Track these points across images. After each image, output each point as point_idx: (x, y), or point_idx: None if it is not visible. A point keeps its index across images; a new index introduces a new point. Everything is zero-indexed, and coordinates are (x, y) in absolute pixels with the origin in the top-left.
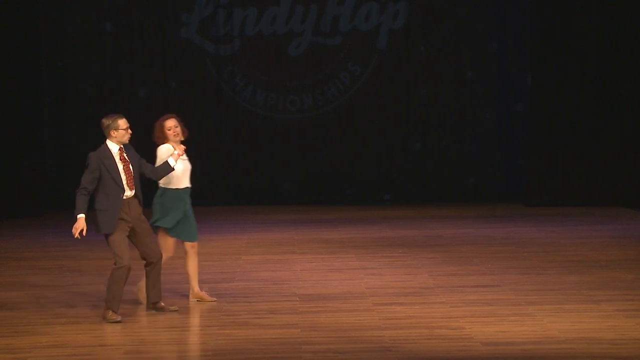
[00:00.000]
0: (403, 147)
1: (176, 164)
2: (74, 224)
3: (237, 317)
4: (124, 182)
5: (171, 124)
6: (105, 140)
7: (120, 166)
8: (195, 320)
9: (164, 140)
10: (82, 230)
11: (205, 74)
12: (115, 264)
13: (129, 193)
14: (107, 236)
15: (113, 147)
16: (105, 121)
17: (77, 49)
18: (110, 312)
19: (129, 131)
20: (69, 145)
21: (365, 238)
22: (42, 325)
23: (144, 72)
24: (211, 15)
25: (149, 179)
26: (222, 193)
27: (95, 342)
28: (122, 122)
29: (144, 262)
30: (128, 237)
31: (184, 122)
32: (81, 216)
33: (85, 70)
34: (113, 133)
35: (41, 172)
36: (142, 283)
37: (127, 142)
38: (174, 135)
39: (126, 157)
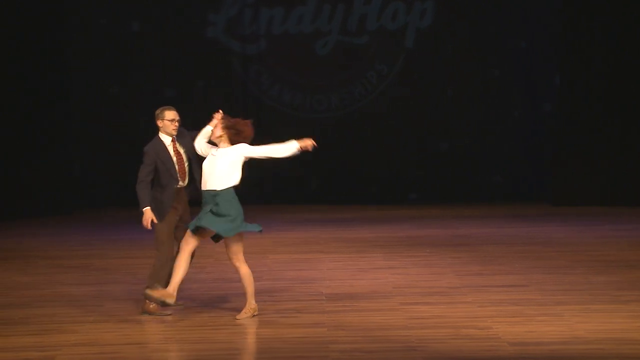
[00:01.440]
0: (429, 147)
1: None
2: (142, 217)
3: (264, 316)
4: (178, 173)
5: (173, 116)
6: (158, 131)
7: (174, 158)
8: (222, 319)
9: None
10: (152, 221)
11: (231, 73)
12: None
13: (182, 184)
14: (154, 225)
15: (165, 138)
16: (157, 110)
17: (104, 49)
18: (154, 305)
19: (176, 123)
20: (96, 145)
21: (391, 237)
22: (69, 324)
23: (170, 72)
24: (238, 15)
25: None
26: (248, 192)
27: (122, 341)
28: (169, 114)
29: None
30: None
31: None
32: (147, 208)
33: (111, 70)
34: (160, 123)
35: (69, 172)
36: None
37: (174, 134)
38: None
39: (179, 149)
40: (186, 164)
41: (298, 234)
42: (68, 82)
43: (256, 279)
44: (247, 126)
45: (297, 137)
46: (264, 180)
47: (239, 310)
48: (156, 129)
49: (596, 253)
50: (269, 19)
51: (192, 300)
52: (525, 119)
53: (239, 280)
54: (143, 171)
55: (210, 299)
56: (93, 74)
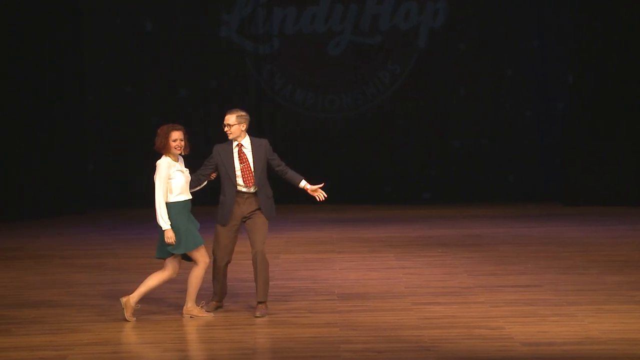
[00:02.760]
0: (442, 146)
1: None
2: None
3: (276, 316)
4: (239, 178)
5: (177, 136)
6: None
7: (236, 162)
8: (234, 319)
9: (165, 150)
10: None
11: (244, 73)
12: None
13: (244, 189)
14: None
15: (233, 141)
16: (243, 113)
17: (118, 49)
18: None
19: (227, 130)
20: (110, 145)
21: (404, 237)
22: (83, 323)
23: (184, 71)
24: (251, 15)
25: (277, 174)
26: None
27: (135, 340)
28: (226, 117)
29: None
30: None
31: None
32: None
33: (126, 70)
34: (243, 127)
35: (83, 171)
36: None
37: (235, 139)
38: (176, 148)
39: (245, 154)
40: (254, 171)
41: (310, 234)
42: (83, 81)
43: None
44: None
45: (309, 136)
46: (275, 180)
47: (252, 310)
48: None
49: (610, 253)
50: (281, 19)
51: (204, 299)
52: (538, 118)
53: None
54: (203, 165)
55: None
56: (107, 74)
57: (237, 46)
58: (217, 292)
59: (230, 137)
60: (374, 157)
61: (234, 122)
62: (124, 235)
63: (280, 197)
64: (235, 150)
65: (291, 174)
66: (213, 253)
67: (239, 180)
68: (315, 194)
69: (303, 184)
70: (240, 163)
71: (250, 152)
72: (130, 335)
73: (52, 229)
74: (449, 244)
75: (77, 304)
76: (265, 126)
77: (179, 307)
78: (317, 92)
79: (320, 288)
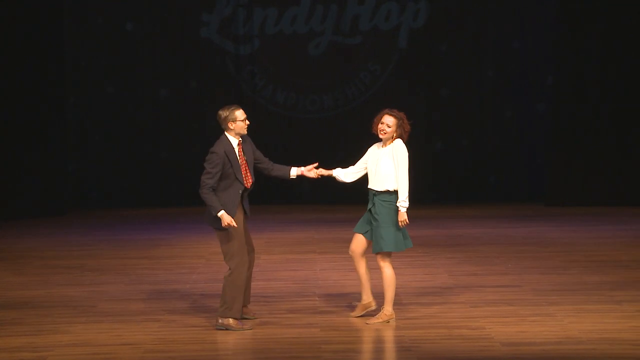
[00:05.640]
0: (424, 147)
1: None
2: (224, 223)
3: (257, 317)
4: (243, 177)
5: (244, 115)
6: (223, 132)
7: (239, 160)
8: (215, 320)
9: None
10: (232, 223)
11: (225, 73)
12: (230, 268)
13: (245, 187)
14: (219, 230)
15: (233, 140)
16: (223, 113)
17: (99, 49)
18: (232, 320)
19: (247, 122)
20: (91, 145)
21: None
22: (63, 324)
23: (164, 71)
24: (231, 15)
25: (261, 171)
26: None
27: (115, 341)
28: (240, 113)
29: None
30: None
31: (204, 121)
32: (222, 212)
33: (106, 69)
34: (231, 125)
35: (63, 172)
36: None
37: (245, 132)
38: (244, 129)
39: (243, 152)
40: (249, 167)
41: (291, 235)
42: (63, 81)
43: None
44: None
45: (290, 137)
46: (256, 180)
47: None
48: (218, 130)
49: (591, 253)
50: (262, 19)
51: (184, 300)
52: (518, 118)
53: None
54: (211, 176)
55: (203, 299)
56: (88, 74)
57: (217, 47)
58: (245, 299)
59: (246, 131)
60: (355, 158)
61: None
62: (104, 236)
63: (261, 197)
64: (237, 149)
65: (278, 167)
66: (234, 259)
67: (243, 178)
68: (313, 174)
69: (295, 171)
70: (241, 160)
71: (243, 148)
72: (110, 336)
73: (32, 230)
74: (430, 244)
75: (58, 305)
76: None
77: (158, 308)
78: (298, 92)
79: (301, 289)
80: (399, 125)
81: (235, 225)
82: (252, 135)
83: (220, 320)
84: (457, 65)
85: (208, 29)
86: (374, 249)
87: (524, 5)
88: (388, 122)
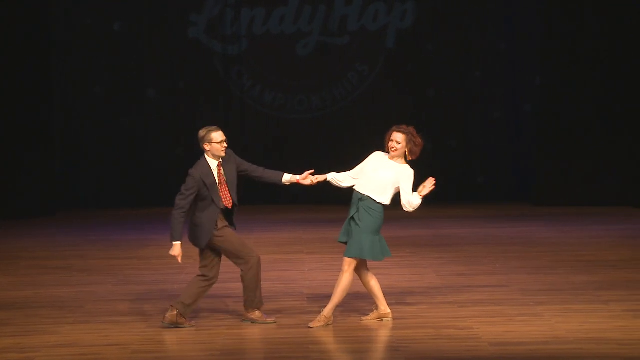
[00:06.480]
0: None
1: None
2: (171, 249)
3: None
4: (222, 199)
5: (222, 137)
6: (203, 154)
7: (217, 183)
8: (203, 320)
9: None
10: (179, 257)
11: (213, 74)
12: (242, 270)
13: (223, 208)
14: (201, 250)
15: (212, 162)
16: (201, 133)
17: (86, 49)
18: (259, 312)
19: (224, 144)
20: (79, 146)
21: None
22: (50, 325)
23: (152, 72)
24: (219, 16)
25: (253, 179)
26: None
27: (102, 342)
28: (218, 135)
29: (202, 276)
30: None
31: (192, 121)
32: (177, 243)
33: (93, 70)
34: (207, 146)
35: (51, 172)
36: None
37: (223, 155)
38: (222, 151)
39: (223, 174)
40: (229, 189)
41: (280, 235)
42: (51, 82)
43: (237, 279)
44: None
45: (278, 137)
46: (245, 181)
47: (219, 312)
48: (198, 151)
49: (578, 253)
50: (250, 20)
51: (172, 301)
52: (507, 119)
53: (223, 281)
54: (184, 197)
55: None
56: (76, 74)
57: (205, 47)
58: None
59: (224, 153)
60: (343, 158)
61: None
62: (93, 236)
63: (248, 198)
64: (216, 171)
65: (269, 173)
66: (244, 253)
67: (221, 201)
68: (308, 182)
69: (288, 178)
70: (220, 183)
71: (224, 170)
72: (98, 337)
73: (21, 230)
74: (418, 244)
75: (45, 305)
76: (234, 128)
77: (146, 308)
78: (286, 92)
79: (289, 289)
80: (408, 141)
81: (180, 261)
82: (240, 136)
83: (250, 315)
84: (445, 65)
85: (196, 29)
86: (348, 253)
87: (512, 6)
88: (397, 139)
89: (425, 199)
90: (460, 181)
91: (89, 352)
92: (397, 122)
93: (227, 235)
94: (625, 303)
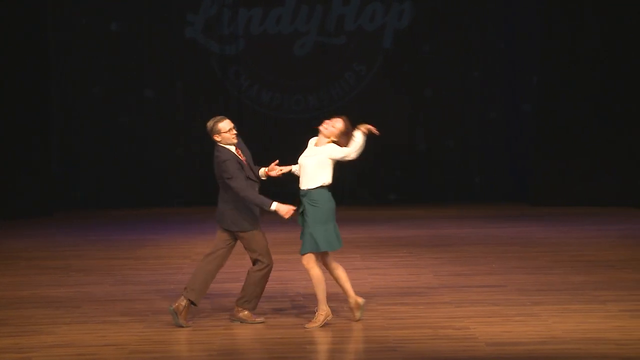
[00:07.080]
0: (409, 147)
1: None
2: (281, 213)
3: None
4: (254, 175)
5: (229, 125)
6: (215, 144)
7: (243, 162)
8: (200, 320)
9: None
10: (289, 210)
11: (210, 74)
12: (254, 265)
13: (259, 184)
14: (243, 234)
15: (230, 147)
16: (208, 124)
17: (83, 49)
18: (248, 312)
19: (234, 131)
20: (77, 145)
21: (370, 238)
22: (47, 325)
23: (149, 72)
24: (216, 16)
25: None
26: None
27: (100, 342)
28: (224, 125)
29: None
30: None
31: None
32: (274, 204)
33: (91, 70)
34: (217, 137)
35: (49, 172)
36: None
37: (235, 141)
38: (233, 137)
39: (241, 153)
40: (252, 166)
41: (277, 235)
42: (49, 82)
43: (234, 279)
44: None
45: (275, 137)
46: None
47: (218, 311)
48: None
49: (576, 253)
50: (247, 20)
51: (170, 301)
52: (505, 119)
53: (219, 281)
54: (239, 179)
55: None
56: (74, 74)
57: (202, 47)
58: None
59: (236, 139)
60: None
61: None
62: (90, 236)
63: None
64: (237, 153)
65: (255, 169)
66: (268, 255)
67: (255, 178)
68: (275, 173)
69: (262, 171)
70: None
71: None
72: (95, 337)
73: (18, 230)
74: (415, 244)
75: (42, 305)
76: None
77: (144, 308)
78: (283, 92)
79: (286, 289)
80: (345, 132)
81: (294, 208)
82: (238, 135)
83: (239, 314)
84: (442, 65)
85: (193, 29)
86: (303, 250)
87: (510, 5)
88: (336, 123)
89: (424, 199)
90: (458, 181)
91: (86, 352)
92: (394, 122)
93: (258, 232)
94: (623, 303)
